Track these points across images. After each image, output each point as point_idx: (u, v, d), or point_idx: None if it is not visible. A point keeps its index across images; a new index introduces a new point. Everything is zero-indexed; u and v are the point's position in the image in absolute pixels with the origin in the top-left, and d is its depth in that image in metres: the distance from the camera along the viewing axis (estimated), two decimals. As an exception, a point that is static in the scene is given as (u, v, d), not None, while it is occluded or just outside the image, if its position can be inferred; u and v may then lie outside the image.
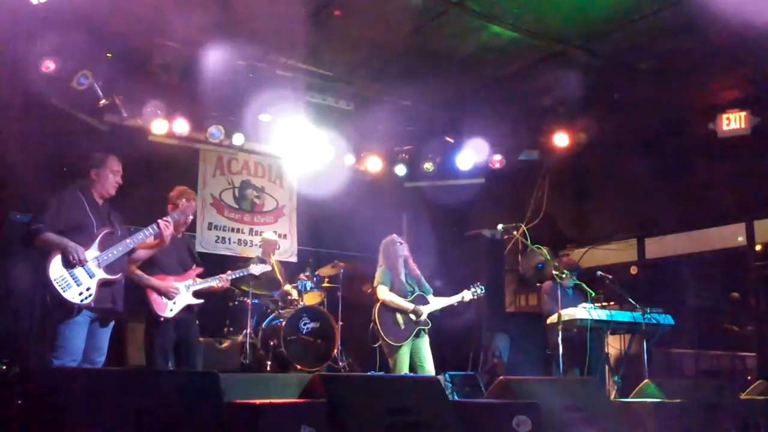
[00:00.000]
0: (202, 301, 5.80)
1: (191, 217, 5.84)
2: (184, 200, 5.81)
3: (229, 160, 9.94)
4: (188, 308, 5.70)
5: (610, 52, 7.50)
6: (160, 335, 5.53)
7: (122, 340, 7.52)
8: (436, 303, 6.77)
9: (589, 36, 7.22)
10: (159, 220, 5.20)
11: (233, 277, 6.25)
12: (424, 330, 6.61)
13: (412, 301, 6.62)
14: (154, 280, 5.56)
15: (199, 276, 5.87)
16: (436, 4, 6.68)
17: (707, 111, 8.10)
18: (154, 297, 5.54)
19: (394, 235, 6.93)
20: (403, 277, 6.77)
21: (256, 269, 6.76)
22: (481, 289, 6.89)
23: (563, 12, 6.74)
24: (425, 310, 6.61)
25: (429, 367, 6.53)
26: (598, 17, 6.82)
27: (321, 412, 3.63)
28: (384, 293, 6.60)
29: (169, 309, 5.56)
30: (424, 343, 6.61)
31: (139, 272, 5.54)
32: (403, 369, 6.45)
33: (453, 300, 6.84)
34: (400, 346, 6.46)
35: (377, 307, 6.61)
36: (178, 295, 5.63)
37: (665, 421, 4.90)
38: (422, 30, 7.17)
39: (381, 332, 6.50)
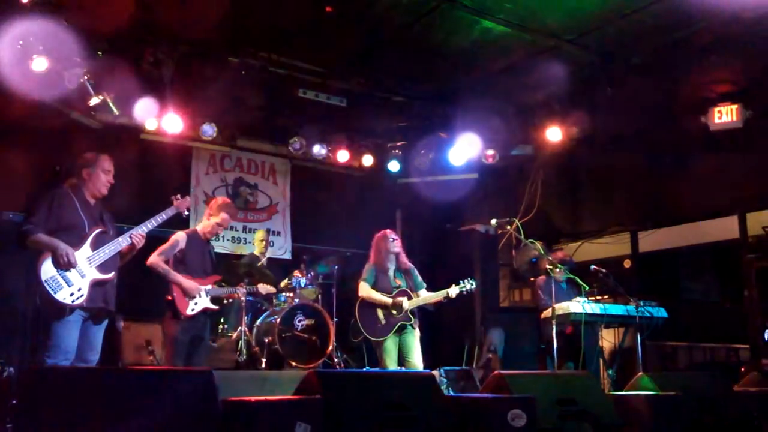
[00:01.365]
0: (217, 307, 6.14)
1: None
2: (224, 213, 6.09)
3: (222, 158, 9.92)
4: (205, 311, 5.96)
5: (602, 46, 7.51)
6: (181, 331, 5.79)
7: (116, 338, 7.52)
8: (420, 298, 6.71)
9: (581, 30, 7.22)
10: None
11: (247, 291, 6.72)
12: (409, 325, 6.58)
13: (394, 297, 6.62)
14: (181, 278, 5.84)
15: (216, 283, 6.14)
16: (427, -1, 6.67)
17: (699, 104, 8.10)
18: (179, 294, 5.80)
19: (388, 231, 6.92)
20: (391, 273, 6.76)
21: (263, 289, 7.00)
22: (471, 284, 6.65)
23: (555, 7, 6.74)
24: (405, 305, 6.57)
25: (415, 361, 6.51)
26: (589, 12, 6.82)
27: (316, 408, 3.63)
28: (363, 289, 6.64)
29: (190, 308, 5.83)
30: (412, 338, 6.58)
31: (167, 267, 5.82)
32: (390, 363, 6.46)
33: (438, 296, 6.69)
34: (383, 341, 6.48)
35: (357, 303, 6.67)
36: (199, 298, 5.89)
37: (660, 413, 4.91)
38: (414, 25, 7.16)
39: (361, 327, 6.55)
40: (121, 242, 5.05)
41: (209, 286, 6.00)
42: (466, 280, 6.72)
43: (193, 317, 5.84)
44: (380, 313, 6.58)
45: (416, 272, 6.89)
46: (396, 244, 6.80)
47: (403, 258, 6.86)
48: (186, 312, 5.79)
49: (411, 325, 6.60)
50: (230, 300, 8.34)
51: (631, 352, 7.38)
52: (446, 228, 10.95)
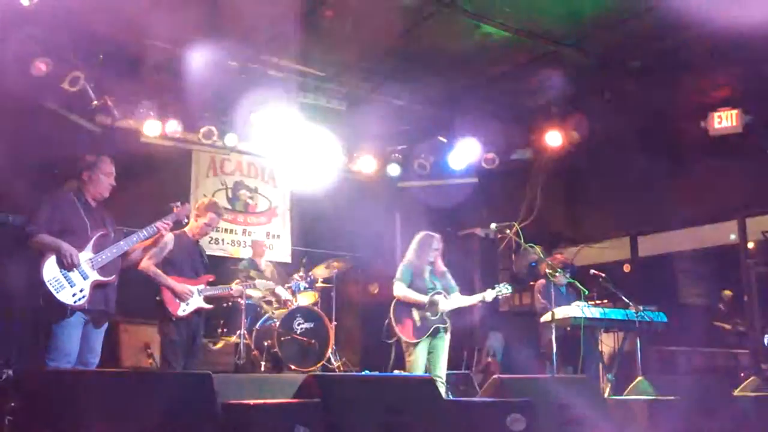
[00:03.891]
0: (211, 306, 6.12)
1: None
2: (211, 213, 6.07)
3: (221, 161, 9.92)
4: (198, 311, 5.95)
5: (602, 51, 7.52)
6: (174, 332, 5.79)
7: (116, 341, 7.51)
8: (456, 301, 6.59)
9: (580, 35, 7.23)
10: (158, 223, 5.27)
11: (244, 289, 6.69)
12: (443, 329, 6.47)
13: (431, 296, 6.49)
14: (171, 281, 5.83)
15: (209, 283, 6.11)
16: (428, 3, 6.68)
17: (699, 109, 8.11)
18: (170, 297, 5.80)
19: (435, 233, 6.80)
20: (427, 275, 6.65)
21: (261, 285, 7.12)
22: (507, 289, 6.66)
23: (555, 11, 6.76)
24: (441, 305, 6.46)
25: (440, 372, 6.39)
26: (589, 16, 6.83)
27: (315, 412, 3.64)
28: (399, 289, 6.50)
29: (182, 309, 5.83)
30: (443, 343, 6.48)
31: (157, 270, 5.79)
32: (418, 367, 6.33)
33: (474, 299, 6.65)
34: (417, 344, 6.36)
35: (393, 303, 6.53)
36: (191, 298, 5.88)
37: (659, 418, 4.92)
38: (414, 30, 7.17)
39: (396, 329, 6.43)
40: (123, 246, 5.07)
41: (202, 286, 6.00)
42: (502, 285, 6.68)
43: (185, 318, 5.83)
44: (416, 314, 6.44)
45: (450, 276, 6.79)
46: (438, 250, 6.69)
47: (439, 261, 6.76)
48: (177, 313, 5.78)
49: (445, 328, 6.50)
50: (230, 303, 8.34)
51: (631, 356, 7.38)
52: (446, 232, 10.93)
